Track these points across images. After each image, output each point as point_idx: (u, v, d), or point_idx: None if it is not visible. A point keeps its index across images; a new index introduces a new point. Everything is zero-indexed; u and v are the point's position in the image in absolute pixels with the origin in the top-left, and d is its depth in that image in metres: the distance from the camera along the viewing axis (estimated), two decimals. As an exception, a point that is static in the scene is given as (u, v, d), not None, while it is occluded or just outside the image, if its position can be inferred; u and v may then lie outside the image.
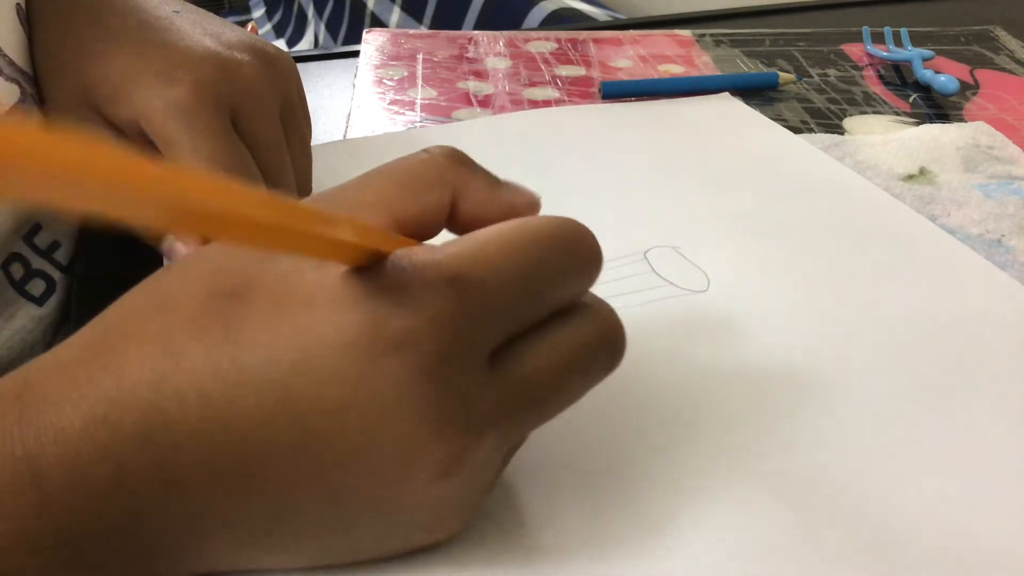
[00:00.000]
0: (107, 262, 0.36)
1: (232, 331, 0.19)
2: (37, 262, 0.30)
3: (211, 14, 0.36)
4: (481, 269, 0.19)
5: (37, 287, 0.30)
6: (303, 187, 0.36)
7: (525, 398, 0.20)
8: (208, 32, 0.33)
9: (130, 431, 0.18)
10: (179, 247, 0.32)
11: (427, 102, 0.49)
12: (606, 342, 0.22)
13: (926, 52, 0.55)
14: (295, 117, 0.35)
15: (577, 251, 0.21)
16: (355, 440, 0.18)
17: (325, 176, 0.38)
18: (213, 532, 0.19)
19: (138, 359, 0.19)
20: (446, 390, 0.18)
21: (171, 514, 0.19)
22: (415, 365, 0.18)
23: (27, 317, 0.31)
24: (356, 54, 0.55)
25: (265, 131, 0.32)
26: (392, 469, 0.18)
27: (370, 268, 0.19)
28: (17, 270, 0.30)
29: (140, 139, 0.32)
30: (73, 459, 0.18)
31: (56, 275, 0.31)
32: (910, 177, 0.41)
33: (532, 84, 0.51)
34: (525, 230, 0.20)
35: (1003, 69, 0.55)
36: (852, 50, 0.58)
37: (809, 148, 0.43)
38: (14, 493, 0.18)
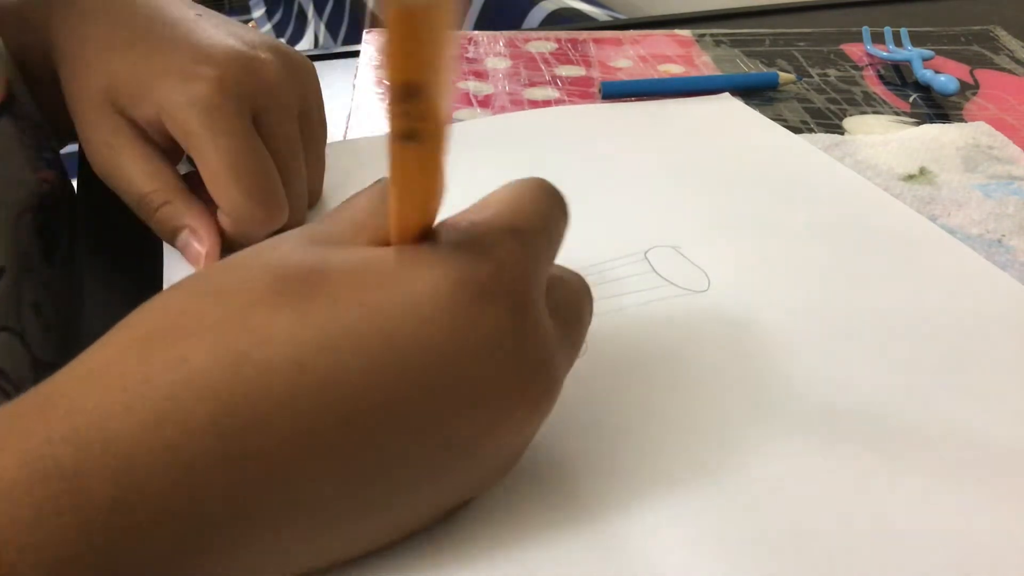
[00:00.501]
0: (107, 260, 0.36)
1: (318, 302, 0.18)
2: None
3: (232, 19, 0.36)
4: (524, 220, 0.21)
5: None
6: (315, 189, 0.36)
7: (573, 337, 0.23)
8: (231, 33, 0.34)
9: (204, 421, 0.17)
10: (195, 245, 0.32)
11: (427, 102, 0.49)
12: (586, 286, 0.24)
13: (926, 52, 0.55)
14: (311, 120, 0.35)
15: (561, 199, 0.23)
16: (460, 384, 0.19)
17: (326, 175, 0.38)
18: (294, 518, 0.18)
19: (206, 347, 0.18)
20: (537, 329, 0.20)
21: (244, 512, 0.18)
22: (509, 307, 0.19)
23: None
24: (356, 54, 0.55)
25: (284, 131, 0.33)
26: (495, 409, 0.19)
27: (421, 240, 0.20)
28: None
29: (163, 139, 0.33)
30: (125, 470, 0.17)
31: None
32: (910, 177, 0.41)
33: (532, 84, 0.51)
34: (529, 187, 0.22)
35: (1003, 69, 0.55)
36: (852, 50, 0.58)
37: (809, 148, 0.43)
38: (55, 514, 0.16)
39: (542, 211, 0.22)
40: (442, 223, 0.21)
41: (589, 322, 0.24)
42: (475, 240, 0.20)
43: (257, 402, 0.17)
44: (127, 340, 0.19)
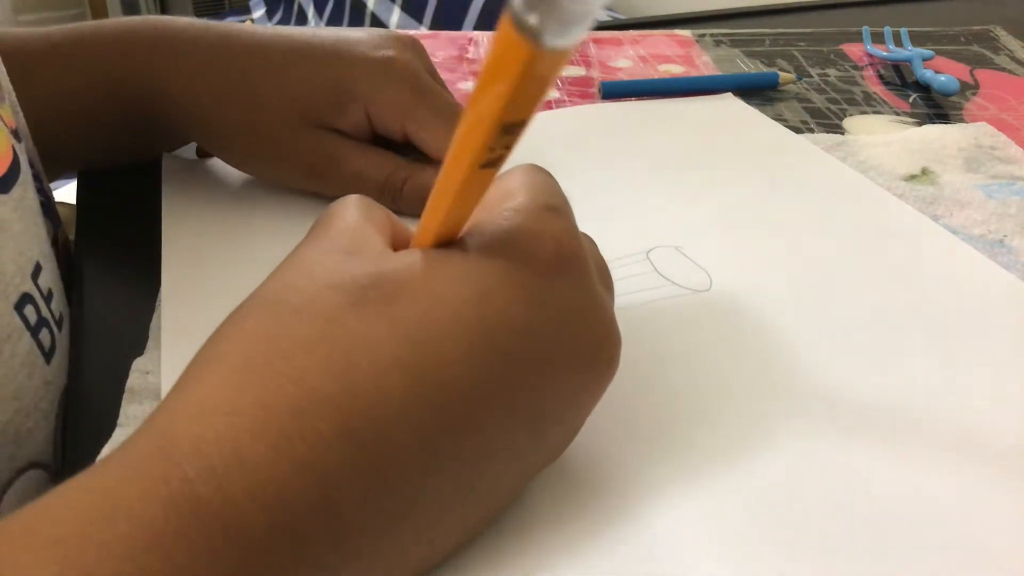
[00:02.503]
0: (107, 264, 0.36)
1: (401, 303, 0.19)
2: (43, 309, 0.28)
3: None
4: (553, 198, 0.22)
5: (46, 339, 0.28)
6: None
7: (611, 291, 0.25)
8: (340, 30, 0.37)
9: (330, 434, 0.17)
10: None
11: (427, 102, 0.49)
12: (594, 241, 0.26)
13: (926, 52, 0.55)
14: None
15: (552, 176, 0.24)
16: (544, 355, 0.20)
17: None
18: (406, 518, 0.19)
19: (314, 362, 0.18)
20: (598, 294, 0.22)
21: (371, 517, 0.18)
22: (575, 278, 0.21)
23: (40, 379, 0.28)
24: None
25: (442, 84, 0.38)
26: (580, 373, 0.21)
27: (466, 234, 0.21)
28: (31, 313, 0.27)
29: (364, 135, 0.36)
30: (272, 496, 0.16)
31: (55, 331, 0.29)
32: (912, 177, 0.41)
33: (532, 84, 0.51)
34: (532, 171, 0.23)
35: (1003, 69, 0.55)
36: (852, 50, 0.58)
37: (811, 148, 0.43)
38: (209, 551, 0.16)
39: (556, 187, 0.23)
40: (481, 219, 0.22)
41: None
42: (526, 225, 0.21)
43: (374, 406, 0.18)
44: (225, 371, 0.18)
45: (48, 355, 0.28)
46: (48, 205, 0.33)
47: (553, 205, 0.22)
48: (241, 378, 0.18)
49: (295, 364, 0.18)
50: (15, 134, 0.30)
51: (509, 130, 0.17)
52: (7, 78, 0.32)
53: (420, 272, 0.20)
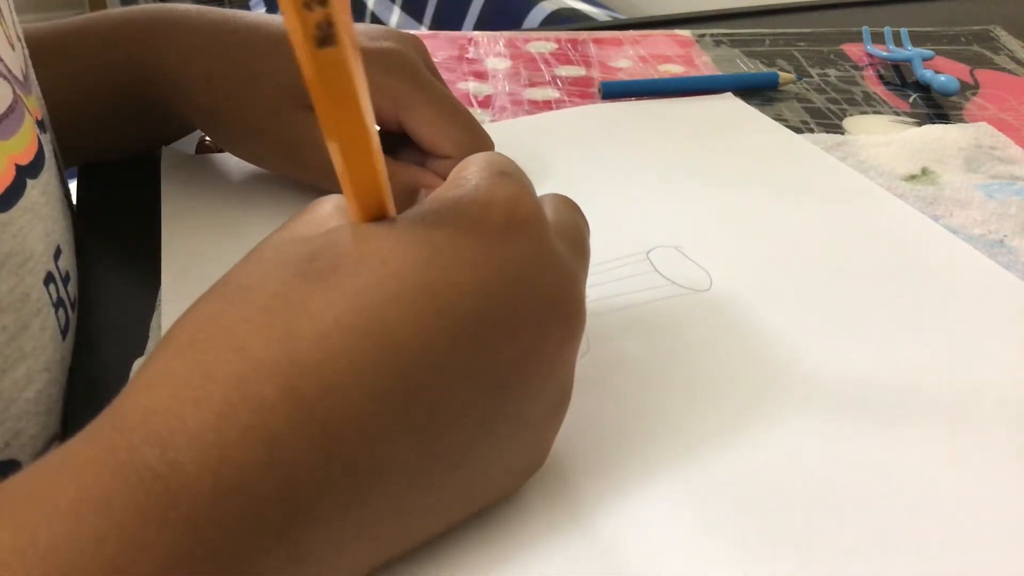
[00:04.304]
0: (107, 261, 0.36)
1: (343, 270, 0.19)
2: (62, 290, 0.30)
3: None
4: (504, 165, 0.22)
5: (62, 318, 0.29)
6: None
7: (581, 252, 0.24)
8: (355, 25, 0.37)
9: (274, 398, 0.17)
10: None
11: (427, 102, 0.49)
12: (572, 202, 0.26)
13: (926, 52, 0.55)
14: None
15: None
16: (497, 316, 0.20)
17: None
18: (380, 486, 0.19)
19: (255, 333, 0.18)
20: (556, 252, 0.21)
21: (331, 483, 0.18)
22: (529, 237, 0.21)
23: (60, 354, 0.29)
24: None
25: (437, 77, 0.38)
26: (534, 334, 0.20)
27: (418, 205, 0.21)
28: (53, 292, 0.29)
29: None
30: (217, 459, 0.17)
31: (70, 312, 0.31)
32: (912, 177, 0.41)
33: (532, 84, 0.51)
34: (483, 152, 0.24)
35: (1003, 69, 0.55)
36: (852, 50, 0.58)
37: (811, 148, 0.43)
38: (160, 515, 0.16)
39: (511, 161, 0.23)
40: (435, 191, 0.22)
41: (588, 234, 0.25)
42: (476, 191, 0.21)
43: (316, 370, 0.18)
44: (174, 349, 0.19)
45: (64, 333, 0.29)
46: (65, 197, 0.33)
47: (506, 170, 0.22)
48: (188, 354, 0.19)
49: (237, 335, 0.18)
50: (40, 124, 0.30)
51: None
52: (32, 71, 0.32)
53: (363, 241, 0.20)
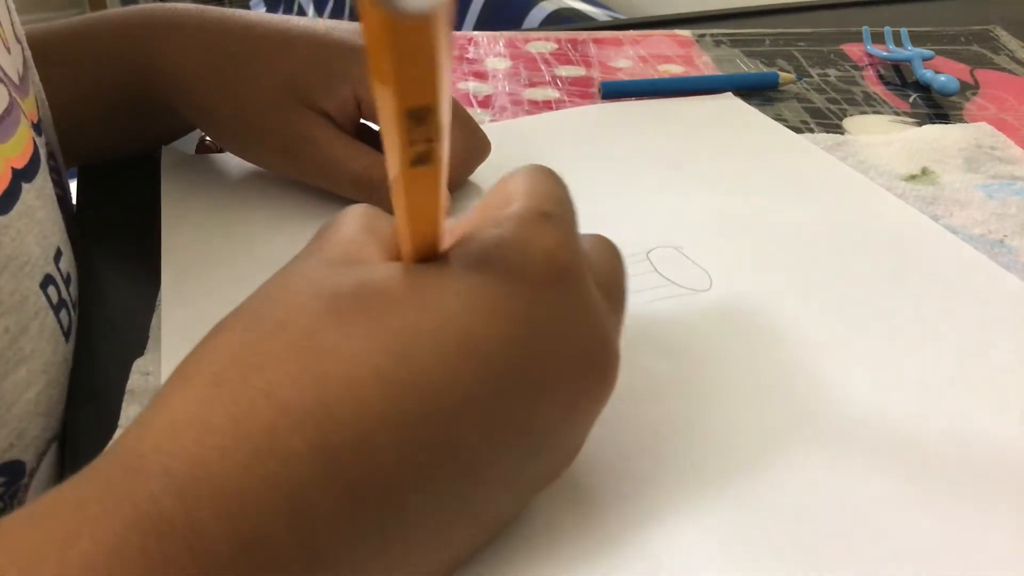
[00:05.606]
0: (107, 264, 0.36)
1: (381, 314, 0.19)
2: (63, 291, 0.29)
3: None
4: (550, 204, 0.21)
5: (64, 319, 0.29)
6: None
7: (618, 303, 0.24)
8: (355, 24, 0.37)
9: (301, 448, 0.17)
10: None
11: (427, 102, 0.49)
12: (614, 246, 0.25)
13: (926, 52, 0.55)
14: None
15: (560, 177, 0.24)
16: (533, 370, 0.19)
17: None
18: (402, 534, 0.18)
19: (285, 376, 0.18)
20: (594, 305, 0.21)
21: (356, 538, 0.17)
22: (566, 290, 0.20)
23: (61, 356, 0.29)
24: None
25: None
26: (569, 389, 0.20)
27: (457, 243, 0.21)
28: (53, 294, 0.28)
29: (349, 123, 0.36)
30: (238, 510, 0.16)
31: (72, 313, 0.30)
32: (912, 177, 0.41)
33: (532, 84, 0.51)
34: (533, 173, 0.23)
35: (1003, 69, 0.55)
36: (852, 50, 0.58)
37: (811, 148, 0.43)
38: (178, 571, 0.15)
39: (558, 192, 0.22)
40: (474, 226, 0.21)
41: (627, 283, 0.24)
42: (516, 235, 0.20)
43: (347, 419, 0.17)
44: (197, 387, 0.18)
45: (66, 335, 0.30)
46: (65, 198, 0.34)
47: (548, 212, 0.21)
48: (213, 393, 0.18)
49: (267, 378, 0.18)
50: (36, 127, 0.31)
51: (418, 118, 0.16)
52: (35, 72, 0.32)
53: (403, 284, 0.19)
